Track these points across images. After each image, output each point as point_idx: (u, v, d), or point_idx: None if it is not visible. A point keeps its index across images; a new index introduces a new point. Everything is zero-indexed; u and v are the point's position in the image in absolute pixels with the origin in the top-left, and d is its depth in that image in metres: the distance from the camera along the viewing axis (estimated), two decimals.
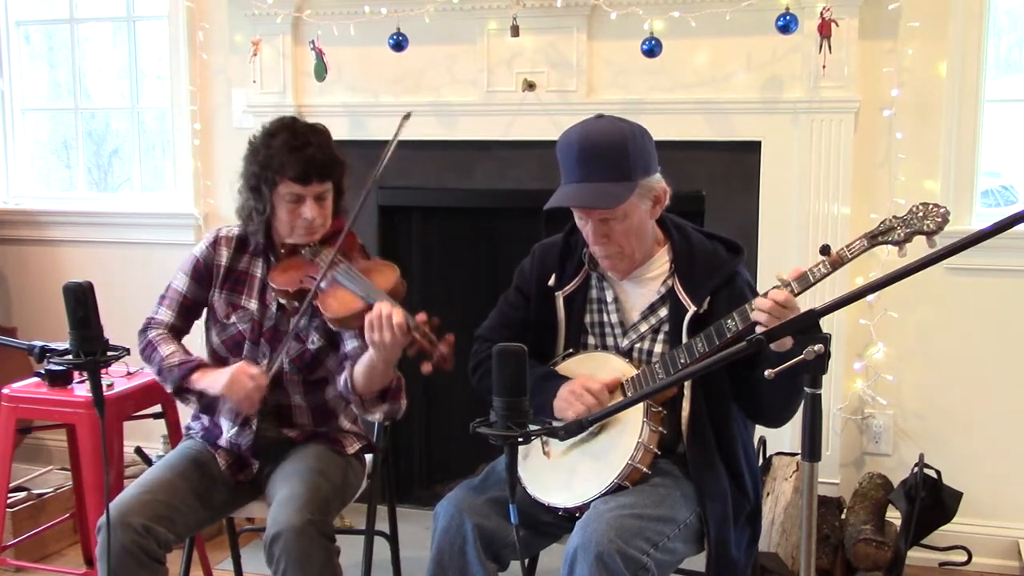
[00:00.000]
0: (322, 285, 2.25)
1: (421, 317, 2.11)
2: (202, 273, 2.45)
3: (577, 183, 2.10)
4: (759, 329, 1.94)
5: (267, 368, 2.32)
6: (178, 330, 2.48)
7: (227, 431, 2.43)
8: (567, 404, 2.13)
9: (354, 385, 2.28)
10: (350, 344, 2.35)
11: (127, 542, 2.14)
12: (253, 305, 2.41)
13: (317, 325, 2.39)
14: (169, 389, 2.39)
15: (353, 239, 2.40)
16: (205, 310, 2.50)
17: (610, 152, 2.07)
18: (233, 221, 2.49)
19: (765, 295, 1.96)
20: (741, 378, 2.12)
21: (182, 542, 2.39)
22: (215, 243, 2.46)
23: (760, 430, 2.61)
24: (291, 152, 2.27)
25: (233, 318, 2.42)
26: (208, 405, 2.39)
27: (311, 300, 2.25)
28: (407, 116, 2.35)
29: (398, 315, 2.08)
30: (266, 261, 2.43)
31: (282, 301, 2.36)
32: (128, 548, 2.14)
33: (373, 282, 2.22)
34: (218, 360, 2.43)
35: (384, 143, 2.34)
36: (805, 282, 1.98)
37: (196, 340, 2.51)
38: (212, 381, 2.31)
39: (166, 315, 2.46)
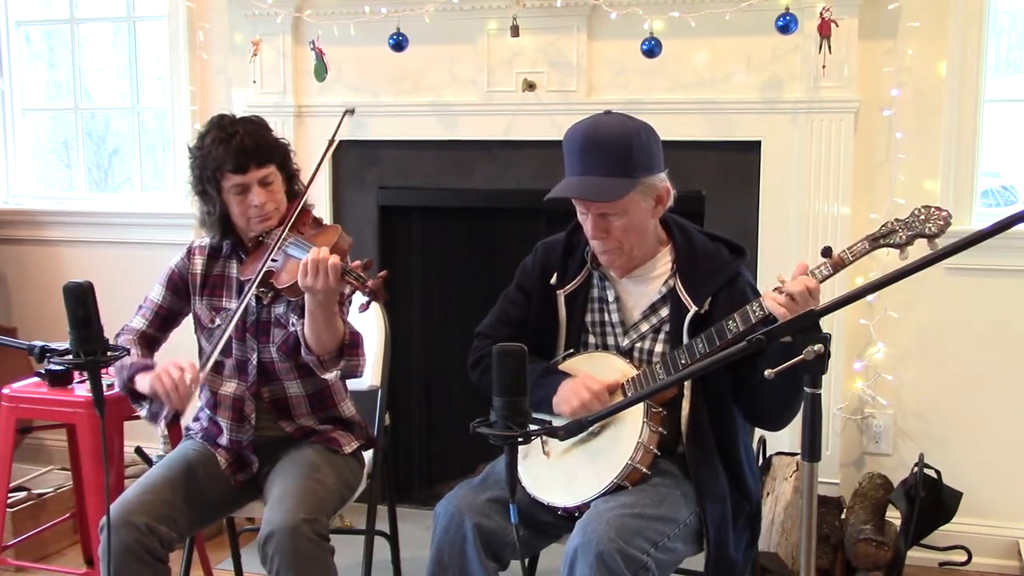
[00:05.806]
0: (275, 261, 2.28)
1: (356, 263, 2.14)
2: (177, 284, 2.49)
3: (579, 176, 2.11)
4: (773, 310, 1.94)
5: (204, 362, 2.30)
6: (151, 338, 2.49)
7: (226, 430, 2.43)
8: (565, 401, 2.13)
9: (307, 343, 2.28)
10: None
11: (131, 542, 2.15)
12: (233, 304, 2.43)
13: (294, 308, 2.40)
14: (119, 389, 2.37)
15: (306, 214, 2.42)
16: (190, 320, 2.51)
17: (613, 147, 2.07)
18: None
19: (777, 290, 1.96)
20: (741, 380, 2.12)
21: (183, 542, 2.38)
22: (189, 254, 2.50)
23: (760, 430, 2.61)
24: (221, 145, 2.31)
25: (217, 320, 2.44)
26: (155, 414, 2.34)
27: (261, 271, 2.26)
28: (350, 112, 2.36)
29: (334, 258, 2.11)
30: (238, 260, 2.46)
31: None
32: (131, 548, 2.15)
33: (316, 245, 2.24)
34: (214, 366, 2.43)
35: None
36: None
37: (189, 348, 2.51)
38: (144, 378, 2.27)
39: (139, 323, 2.49)
